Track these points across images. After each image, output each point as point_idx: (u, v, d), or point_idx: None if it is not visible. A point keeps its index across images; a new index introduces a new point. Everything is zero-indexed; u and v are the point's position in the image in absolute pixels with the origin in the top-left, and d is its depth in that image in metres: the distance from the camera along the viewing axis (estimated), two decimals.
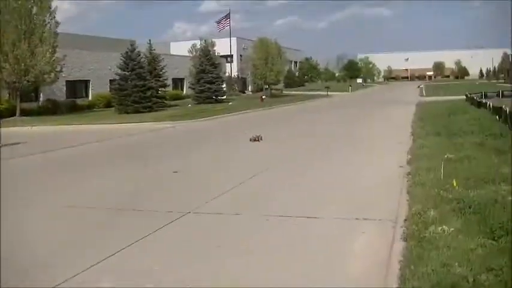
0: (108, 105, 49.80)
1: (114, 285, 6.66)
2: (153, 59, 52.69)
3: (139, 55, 46.90)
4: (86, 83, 54.40)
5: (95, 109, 49.85)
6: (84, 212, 10.44)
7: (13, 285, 6.67)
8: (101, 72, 55.33)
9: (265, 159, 16.81)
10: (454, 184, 9.99)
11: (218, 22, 78.26)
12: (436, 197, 9.51)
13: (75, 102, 49.55)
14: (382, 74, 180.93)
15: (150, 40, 52.95)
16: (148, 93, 45.33)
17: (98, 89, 54.47)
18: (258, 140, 21.28)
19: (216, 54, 64.23)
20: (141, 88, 44.61)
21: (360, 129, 25.64)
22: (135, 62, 45.55)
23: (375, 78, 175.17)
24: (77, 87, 53.33)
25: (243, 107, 46.68)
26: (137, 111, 43.09)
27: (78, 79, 52.92)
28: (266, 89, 77.95)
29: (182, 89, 71.23)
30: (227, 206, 10.39)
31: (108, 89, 53.04)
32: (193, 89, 59.45)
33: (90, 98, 53.45)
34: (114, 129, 30.07)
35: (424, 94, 65.78)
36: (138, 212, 10.21)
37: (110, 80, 52.91)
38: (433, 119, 26.05)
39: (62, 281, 6.70)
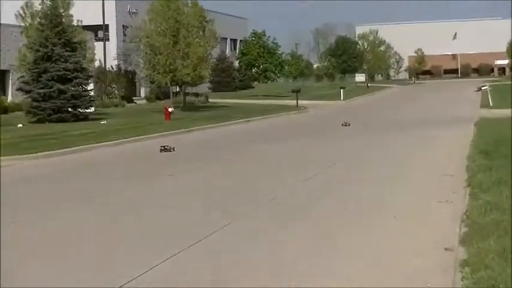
0: None
1: None
2: None
3: None
4: None
5: None
6: None
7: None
8: None
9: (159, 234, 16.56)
10: None
11: None
12: None
13: None
14: (406, 64, 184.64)
15: None
16: None
17: None
18: None
19: (75, 23, 64.25)
20: None
21: (371, 176, 25.85)
22: None
23: (392, 72, 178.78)
24: None
25: (128, 132, 46.75)
26: None
27: None
28: (176, 93, 78.16)
29: (4, 93, 71.04)
30: None
31: None
32: (29, 92, 58.99)
33: None
34: None
35: (491, 104, 67.08)
36: None
37: None
38: (509, 154, 26.22)
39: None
